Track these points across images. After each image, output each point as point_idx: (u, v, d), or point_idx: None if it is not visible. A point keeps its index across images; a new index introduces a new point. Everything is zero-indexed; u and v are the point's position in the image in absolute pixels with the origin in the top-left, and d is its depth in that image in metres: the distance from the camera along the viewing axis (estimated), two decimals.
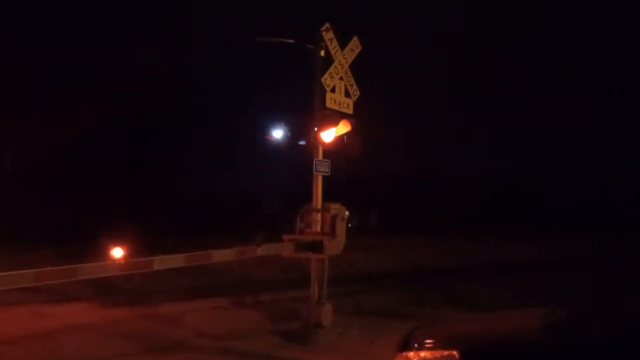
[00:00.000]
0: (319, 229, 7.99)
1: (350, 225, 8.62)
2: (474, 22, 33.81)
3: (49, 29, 21.46)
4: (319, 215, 8.01)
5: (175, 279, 11.16)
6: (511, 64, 36.11)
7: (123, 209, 17.50)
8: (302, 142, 8.22)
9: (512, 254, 17.60)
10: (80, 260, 6.30)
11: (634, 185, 30.75)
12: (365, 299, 10.33)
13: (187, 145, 23.82)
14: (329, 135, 7.90)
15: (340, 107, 8.14)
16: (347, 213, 8.18)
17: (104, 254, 6.70)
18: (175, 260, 6.94)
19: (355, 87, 8.38)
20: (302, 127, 8.23)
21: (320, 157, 8.06)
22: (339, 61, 8.11)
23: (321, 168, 8.07)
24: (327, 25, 7.98)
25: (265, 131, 8.38)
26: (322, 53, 8.01)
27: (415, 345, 4.70)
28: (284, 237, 7.88)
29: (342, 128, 7.93)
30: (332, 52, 8.03)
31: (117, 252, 6.49)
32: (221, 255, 7.47)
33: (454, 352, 4.35)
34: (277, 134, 8.09)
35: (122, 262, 6.24)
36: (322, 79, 7.86)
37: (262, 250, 7.64)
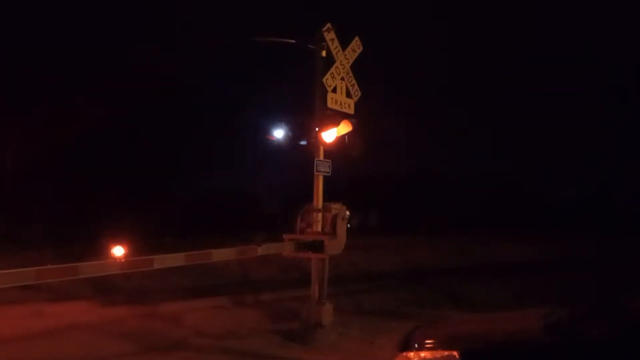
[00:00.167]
0: (319, 229, 7.99)
1: (350, 225, 8.62)
2: (474, 22, 33.83)
3: (49, 29, 21.45)
4: (320, 215, 8.01)
5: (175, 278, 11.17)
6: (511, 64, 36.10)
7: (123, 208, 17.48)
8: (303, 142, 8.22)
9: (512, 254, 17.62)
10: (81, 259, 6.31)
11: (634, 185, 30.79)
12: (366, 299, 10.34)
13: (187, 145, 23.81)
14: (330, 135, 7.90)
15: (341, 108, 8.14)
16: (347, 213, 8.18)
17: (104, 253, 6.70)
18: (175, 259, 6.94)
19: (356, 87, 8.38)
20: (303, 127, 8.23)
21: (321, 157, 8.07)
22: (341, 61, 8.11)
23: (322, 168, 8.07)
24: (328, 25, 7.97)
25: (266, 131, 8.39)
26: (324, 53, 8.01)
27: (416, 345, 4.70)
28: (285, 236, 7.88)
29: (343, 128, 7.93)
30: (334, 52, 8.03)
31: (118, 251, 6.48)
32: (221, 255, 7.47)
33: (454, 353, 4.35)
34: (278, 133, 8.09)
35: (122, 260, 6.24)
36: (324, 79, 7.86)
37: (262, 250, 7.65)
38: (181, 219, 19.00)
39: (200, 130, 24.33)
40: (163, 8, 22.71)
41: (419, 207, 25.50)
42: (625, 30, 40.26)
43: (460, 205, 27.40)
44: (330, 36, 7.96)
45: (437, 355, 4.46)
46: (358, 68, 8.46)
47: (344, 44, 8.25)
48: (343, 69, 8.14)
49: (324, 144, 7.95)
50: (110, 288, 10.05)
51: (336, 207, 7.98)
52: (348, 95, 8.27)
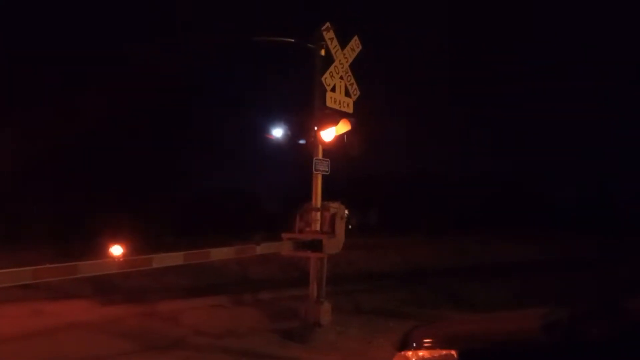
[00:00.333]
0: (318, 228, 7.98)
1: (350, 226, 8.62)
2: (474, 21, 33.83)
3: (49, 29, 21.46)
4: (319, 214, 8.01)
5: (174, 278, 11.16)
6: (511, 64, 36.11)
7: (122, 208, 17.47)
8: (302, 141, 8.21)
9: (512, 254, 17.60)
10: (80, 258, 6.29)
11: (634, 185, 30.74)
12: (365, 299, 10.34)
13: (187, 145, 23.81)
14: (328, 134, 7.90)
15: (340, 107, 8.15)
16: (346, 212, 8.17)
17: (103, 252, 6.68)
18: (174, 259, 6.93)
19: (355, 86, 8.38)
20: (302, 126, 8.23)
21: (320, 156, 8.07)
22: (340, 60, 8.11)
23: (321, 167, 8.07)
24: (327, 24, 7.99)
25: (265, 130, 8.37)
26: (323, 52, 8.03)
27: (414, 344, 4.69)
28: (283, 235, 7.88)
29: (342, 127, 7.94)
30: (333, 51, 8.04)
31: (117, 250, 6.47)
32: (220, 254, 7.47)
33: (453, 352, 4.34)
34: (277, 132, 8.09)
35: (121, 259, 6.23)
36: (323, 78, 7.87)
37: (261, 249, 7.65)
38: (180, 218, 18.98)
39: (200, 130, 24.35)
40: (163, 8, 22.73)
41: (418, 206, 25.47)
42: (625, 29, 40.26)
43: (460, 205, 27.37)
44: (329, 35, 7.96)
45: (436, 355, 4.45)
46: (358, 68, 8.47)
47: (344, 44, 8.25)
48: (342, 68, 8.14)
49: (323, 143, 7.95)
50: (109, 287, 10.05)
51: (335, 206, 7.99)
52: (347, 94, 8.28)
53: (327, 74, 7.91)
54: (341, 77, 8.15)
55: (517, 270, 14.42)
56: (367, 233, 18.62)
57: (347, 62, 8.23)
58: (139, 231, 13.98)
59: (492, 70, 33.06)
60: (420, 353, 4.54)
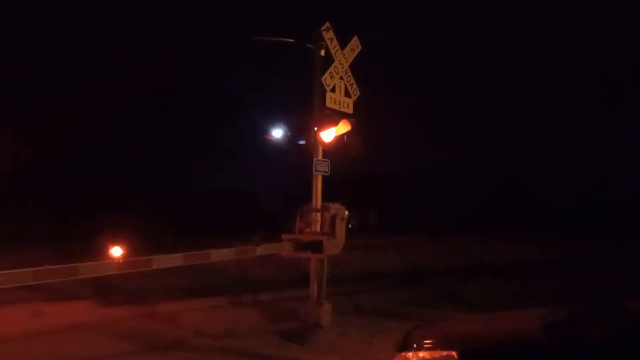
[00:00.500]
0: (318, 229, 7.97)
1: (350, 225, 8.61)
2: (474, 21, 33.82)
3: (49, 29, 21.47)
4: (319, 214, 7.99)
5: (174, 279, 11.16)
6: (511, 64, 36.12)
7: (122, 208, 17.47)
8: (302, 142, 8.20)
9: (512, 254, 17.58)
10: (80, 259, 6.29)
11: (634, 185, 30.73)
12: (365, 299, 10.32)
13: (187, 145, 23.81)
14: (328, 134, 7.89)
15: (340, 107, 8.13)
16: (346, 213, 8.16)
17: (103, 253, 6.68)
18: (174, 260, 6.94)
19: (355, 86, 8.36)
20: (302, 127, 8.22)
21: (320, 156, 8.05)
22: (339, 61, 8.10)
23: (321, 167, 8.06)
24: (327, 24, 7.97)
25: (265, 131, 8.36)
26: (322, 52, 8.01)
27: (414, 345, 4.69)
28: (283, 236, 7.86)
29: (342, 128, 7.93)
30: (332, 51, 8.02)
31: (116, 251, 6.47)
32: (220, 255, 7.46)
33: (453, 353, 4.34)
34: (277, 133, 8.08)
35: (121, 261, 6.23)
36: (322, 79, 7.85)
37: (261, 250, 7.64)
38: (180, 218, 18.99)
39: (200, 130, 24.36)
40: (163, 8, 22.74)
41: (418, 206, 25.47)
42: (625, 29, 40.25)
43: (460, 205, 27.36)
44: (329, 35, 7.95)
45: (436, 356, 4.45)
46: (358, 68, 8.45)
47: (344, 44, 8.24)
48: (342, 68, 8.13)
49: (323, 143, 7.94)
50: (109, 288, 10.04)
51: (335, 207, 7.97)
52: (347, 94, 8.27)
53: (326, 74, 7.89)
54: (341, 78, 8.14)
55: (517, 270, 14.40)
56: (367, 233, 18.63)
57: (347, 62, 8.21)
58: (139, 232, 13.99)
59: (492, 70, 33.12)
60: (421, 354, 4.54)
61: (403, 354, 4.64)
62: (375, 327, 8.31)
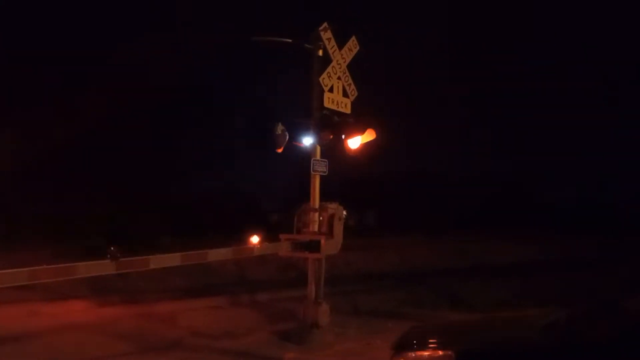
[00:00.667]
0: (316, 229, 7.96)
1: (352, 223, 8.59)
2: (474, 21, 33.82)
3: (49, 29, 21.49)
4: (317, 214, 7.98)
5: (172, 278, 11.16)
6: (511, 64, 36.09)
7: (121, 208, 17.47)
8: (301, 143, 8.17)
9: (512, 254, 17.56)
10: (78, 259, 6.27)
11: (634, 185, 30.68)
12: (363, 299, 10.32)
13: (186, 145, 23.82)
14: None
15: (338, 107, 8.13)
16: (344, 212, 8.15)
17: (101, 253, 6.66)
18: (171, 260, 6.91)
19: (353, 86, 8.35)
20: (301, 127, 8.20)
21: (318, 157, 8.05)
22: (337, 61, 8.08)
23: (319, 168, 8.05)
24: (325, 24, 7.95)
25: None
26: (320, 53, 7.99)
27: (412, 345, 4.69)
28: (281, 236, 7.85)
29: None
30: (330, 51, 8.01)
31: (115, 251, 6.43)
32: (217, 255, 7.45)
33: (450, 352, 4.34)
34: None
35: (118, 260, 6.20)
36: (320, 79, 7.84)
37: (259, 250, 7.63)
38: (178, 218, 18.94)
39: (200, 130, 24.36)
40: (163, 8, 22.76)
41: (418, 207, 25.41)
42: (625, 29, 40.23)
43: (460, 205, 27.31)
44: (326, 35, 7.93)
45: (434, 355, 4.45)
46: (357, 68, 8.44)
47: (344, 44, 8.23)
48: (340, 68, 8.12)
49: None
50: (107, 288, 10.03)
51: (333, 206, 7.96)
52: (345, 94, 8.25)
53: (324, 75, 7.88)
54: (339, 78, 8.13)
55: (517, 271, 14.38)
56: (366, 233, 18.61)
57: (344, 62, 8.20)
58: (137, 231, 14.00)
59: (492, 70, 33.09)
60: (418, 353, 4.54)
61: (401, 353, 4.64)
62: (374, 327, 8.31)
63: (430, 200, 26.47)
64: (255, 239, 7.66)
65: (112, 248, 5.98)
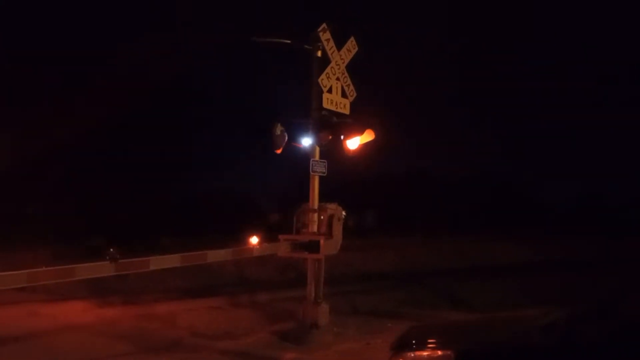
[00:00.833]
0: (315, 229, 7.97)
1: (349, 223, 8.60)
2: (474, 21, 33.82)
3: (49, 29, 21.50)
4: (316, 215, 7.99)
5: (171, 279, 11.17)
6: (511, 64, 36.12)
7: (120, 208, 17.49)
8: (301, 143, 8.17)
9: (511, 254, 17.59)
10: (78, 260, 6.28)
11: (634, 185, 30.71)
12: (362, 299, 10.32)
13: (185, 145, 23.80)
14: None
15: (337, 108, 8.13)
16: (343, 213, 8.16)
17: (101, 254, 6.66)
18: (171, 260, 6.93)
19: (352, 87, 8.36)
20: (300, 128, 8.20)
21: (317, 157, 8.05)
22: (336, 62, 8.09)
23: (318, 168, 8.06)
24: (324, 25, 7.95)
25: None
26: (319, 53, 8.00)
27: (411, 344, 4.68)
28: (280, 237, 7.86)
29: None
30: (329, 52, 8.01)
31: (114, 252, 6.43)
32: (217, 256, 7.46)
33: (450, 352, 4.33)
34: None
35: (118, 262, 6.20)
36: (319, 79, 7.84)
37: (258, 251, 7.65)
38: (178, 219, 18.97)
39: (199, 131, 24.36)
40: (163, 8, 22.76)
41: (417, 207, 25.40)
42: (625, 29, 40.24)
43: (459, 206, 27.30)
44: (325, 36, 7.94)
45: (433, 355, 4.44)
46: (357, 68, 8.45)
47: (343, 44, 8.23)
48: (338, 69, 8.12)
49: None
50: (106, 288, 10.03)
51: (332, 207, 7.97)
52: (344, 95, 8.25)
53: (323, 75, 7.88)
54: (338, 79, 8.13)
55: (516, 271, 14.39)
56: (365, 234, 18.62)
57: (343, 63, 8.20)
58: (137, 232, 14.01)
59: (492, 70, 33.11)
60: (417, 353, 4.53)
61: (400, 353, 4.63)
62: (373, 327, 8.30)
63: (430, 201, 26.46)
64: (254, 240, 7.70)
65: (111, 249, 5.98)
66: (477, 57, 31.73)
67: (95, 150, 19.97)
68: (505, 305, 9.39)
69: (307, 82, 8.06)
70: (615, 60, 35.77)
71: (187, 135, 23.86)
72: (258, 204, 24.25)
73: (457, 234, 20.96)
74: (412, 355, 4.54)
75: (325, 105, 7.93)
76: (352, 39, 8.37)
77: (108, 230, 14.00)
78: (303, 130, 8.09)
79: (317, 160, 8.04)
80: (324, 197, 8.13)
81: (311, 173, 8.01)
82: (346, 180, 18.08)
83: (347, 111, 8.28)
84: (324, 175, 8.14)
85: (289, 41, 8.00)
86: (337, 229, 7.94)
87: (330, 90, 8.01)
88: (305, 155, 8.07)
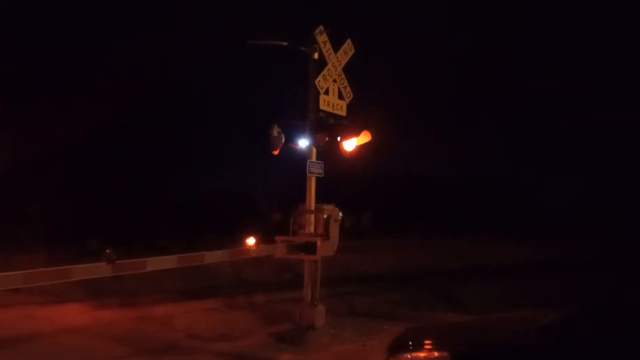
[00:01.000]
0: (312, 230, 7.97)
1: (346, 224, 8.59)
2: (474, 21, 33.81)
3: (49, 29, 21.50)
4: (313, 216, 7.99)
5: (168, 280, 11.16)
6: (511, 64, 36.10)
7: (118, 209, 17.46)
8: (299, 145, 8.17)
9: (510, 255, 17.57)
10: (75, 261, 6.28)
11: (634, 186, 30.67)
12: (359, 301, 10.32)
13: (185, 145, 23.79)
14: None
15: (333, 109, 8.13)
16: (340, 214, 8.17)
17: (97, 255, 6.66)
18: (168, 262, 6.94)
19: (348, 89, 8.36)
20: (297, 129, 8.21)
21: (314, 158, 8.05)
22: (333, 63, 8.09)
23: (314, 169, 8.05)
24: (320, 27, 7.96)
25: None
26: (316, 55, 8.00)
27: (408, 346, 4.68)
28: (277, 238, 7.86)
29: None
30: (326, 54, 8.01)
31: (111, 253, 6.43)
32: (214, 257, 7.46)
33: (446, 354, 4.33)
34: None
35: (114, 263, 6.20)
36: (316, 81, 7.84)
37: (255, 252, 7.65)
38: (175, 220, 18.94)
39: (198, 131, 24.35)
40: (163, 8, 22.76)
41: (415, 208, 25.35)
42: (626, 29, 40.21)
43: (459, 207, 27.26)
44: (322, 38, 7.94)
45: (429, 356, 4.44)
46: (357, 68, 8.45)
47: (341, 46, 8.23)
48: (335, 71, 8.12)
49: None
50: (103, 290, 10.03)
51: (329, 208, 7.98)
52: (340, 97, 8.25)
53: (320, 77, 7.88)
54: (334, 80, 8.13)
55: (515, 272, 14.39)
56: (362, 235, 18.58)
57: (340, 65, 8.20)
58: (135, 233, 13.99)
59: (492, 70, 33.09)
60: (414, 355, 4.53)
61: (396, 354, 4.63)
62: (370, 328, 8.30)
63: (429, 201, 26.42)
64: (251, 241, 7.69)
65: (107, 250, 5.98)
66: (477, 57, 31.72)
67: (95, 150, 19.95)
68: (503, 306, 9.38)
69: (304, 84, 8.07)
70: (615, 60, 35.72)
71: (187, 135, 23.84)
72: (258, 205, 24.21)
73: (456, 234, 20.93)
74: (409, 356, 4.55)
75: (322, 106, 7.94)
76: (348, 40, 8.37)
77: (107, 231, 13.98)
78: (300, 132, 8.10)
79: (314, 162, 8.04)
80: (321, 198, 8.13)
81: (308, 174, 8.01)
82: (343, 181, 18.03)
83: (344, 113, 8.28)
84: (321, 176, 8.15)
85: (285, 43, 8.00)
86: (334, 230, 7.95)
87: (327, 92, 8.02)
88: (303, 157, 8.08)
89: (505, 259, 16.98)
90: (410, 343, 4.79)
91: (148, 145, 20.97)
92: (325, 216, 7.93)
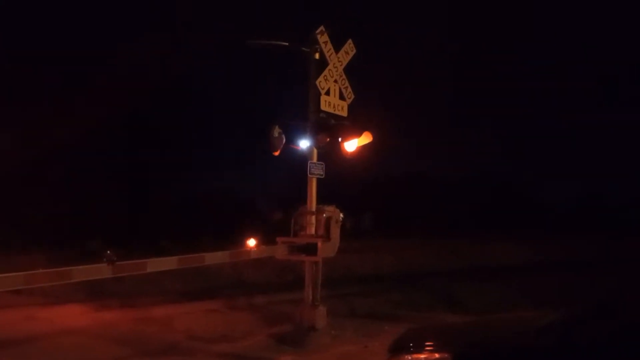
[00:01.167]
0: (313, 232, 7.97)
1: (347, 225, 8.59)
2: (474, 21, 33.81)
3: (49, 29, 21.50)
4: (313, 217, 7.98)
5: (169, 281, 11.15)
6: (511, 64, 36.10)
7: (119, 210, 17.46)
8: (299, 146, 8.17)
9: (510, 255, 17.57)
10: (76, 262, 6.27)
11: (634, 186, 30.68)
12: (360, 302, 10.31)
13: (184, 146, 23.79)
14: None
15: (334, 110, 8.12)
16: (341, 215, 8.16)
17: (97, 256, 6.66)
18: (168, 263, 6.93)
19: (349, 89, 8.35)
20: (298, 130, 8.20)
21: (315, 159, 8.04)
22: (334, 64, 8.08)
23: (315, 170, 8.05)
24: (321, 28, 7.95)
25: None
26: (317, 56, 7.99)
27: (409, 347, 4.68)
28: (278, 239, 7.86)
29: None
30: (327, 54, 8.00)
31: (111, 254, 6.42)
32: (214, 258, 7.45)
33: (447, 355, 4.33)
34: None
35: (115, 264, 6.19)
36: (317, 82, 7.83)
37: (255, 253, 7.64)
38: (176, 221, 18.94)
39: (198, 132, 24.34)
40: (163, 8, 22.75)
41: (415, 209, 25.35)
42: (626, 29, 40.22)
43: (459, 207, 27.26)
44: (323, 39, 7.93)
45: (430, 358, 4.44)
46: (357, 68, 8.44)
47: (342, 45, 8.22)
48: (336, 71, 8.11)
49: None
50: (104, 291, 10.02)
51: (330, 209, 7.97)
52: (341, 97, 8.25)
53: (321, 78, 7.87)
54: (335, 81, 8.12)
55: (515, 272, 14.38)
56: (362, 236, 18.57)
57: (341, 65, 8.19)
58: (136, 234, 13.99)
59: (492, 70, 33.09)
60: (415, 356, 4.52)
61: (397, 356, 4.62)
62: (370, 329, 8.30)
63: (429, 202, 26.41)
64: (252, 242, 7.69)
65: (108, 252, 5.97)
66: (477, 57, 31.72)
67: (95, 150, 19.93)
68: (503, 307, 9.38)
69: (304, 84, 8.06)
70: (615, 60, 35.73)
71: (187, 135, 23.82)
72: (258, 206, 24.23)
73: (456, 234, 20.92)
74: (410, 357, 4.54)
75: (323, 107, 7.93)
76: (349, 41, 8.36)
77: (107, 232, 13.99)
78: (301, 133, 8.09)
79: (314, 163, 8.04)
80: (322, 199, 8.12)
81: (309, 175, 8.00)
82: (344, 182, 18.03)
83: (344, 113, 8.27)
84: (322, 177, 8.14)
85: (286, 44, 8.00)
86: (335, 232, 7.94)
87: (328, 93, 8.01)
88: (303, 158, 8.07)
89: (505, 259, 16.97)
90: (411, 344, 4.78)
91: (148, 145, 20.97)
92: (326, 217, 7.92)
